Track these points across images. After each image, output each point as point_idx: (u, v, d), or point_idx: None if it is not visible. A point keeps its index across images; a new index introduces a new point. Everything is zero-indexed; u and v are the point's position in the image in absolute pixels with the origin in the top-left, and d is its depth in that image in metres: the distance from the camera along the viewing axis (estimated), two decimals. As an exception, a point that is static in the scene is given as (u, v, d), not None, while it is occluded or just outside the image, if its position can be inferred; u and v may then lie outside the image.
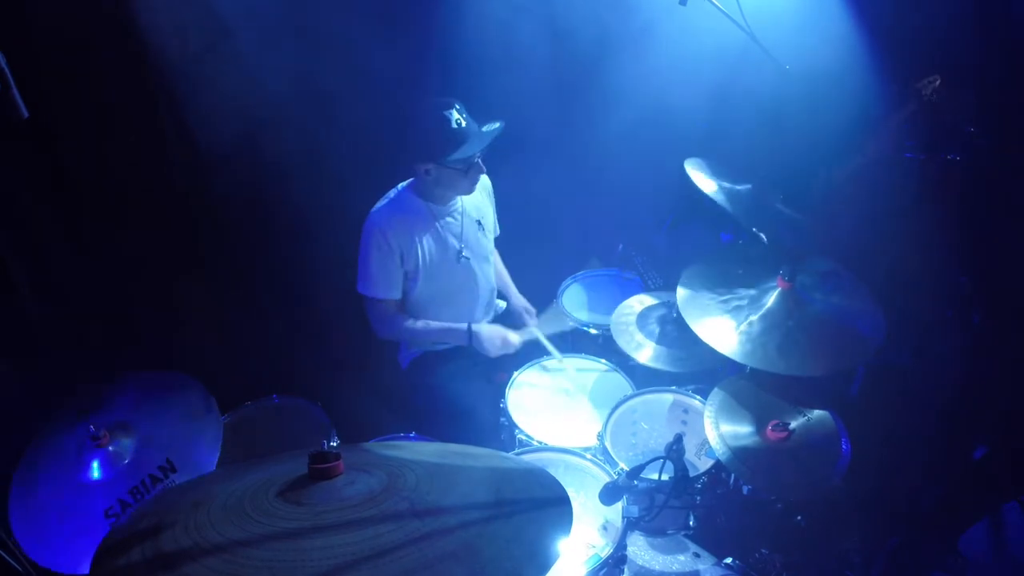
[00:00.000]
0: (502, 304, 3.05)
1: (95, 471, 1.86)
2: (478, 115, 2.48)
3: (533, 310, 2.99)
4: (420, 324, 2.65)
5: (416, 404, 2.76)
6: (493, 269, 2.88)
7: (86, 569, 1.68)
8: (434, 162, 2.44)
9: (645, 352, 2.55)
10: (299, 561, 1.01)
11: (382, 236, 2.50)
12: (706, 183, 2.60)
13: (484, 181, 2.82)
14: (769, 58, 2.46)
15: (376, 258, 2.52)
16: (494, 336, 2.64)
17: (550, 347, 2.71)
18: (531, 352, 2.74)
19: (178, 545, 1.05)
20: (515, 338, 2.68)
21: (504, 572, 1.03)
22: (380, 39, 2.88)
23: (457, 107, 2.40)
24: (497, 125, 2.47)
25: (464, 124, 2.39)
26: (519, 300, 3.03)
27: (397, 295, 2.61)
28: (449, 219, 2.64)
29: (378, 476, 1.23)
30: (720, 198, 2.54)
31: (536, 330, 2.79)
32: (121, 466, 1.89)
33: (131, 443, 1.93)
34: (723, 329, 2.20)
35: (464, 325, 2.65)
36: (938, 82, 2.57)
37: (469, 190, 2.58)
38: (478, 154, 2.44)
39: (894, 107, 2.69)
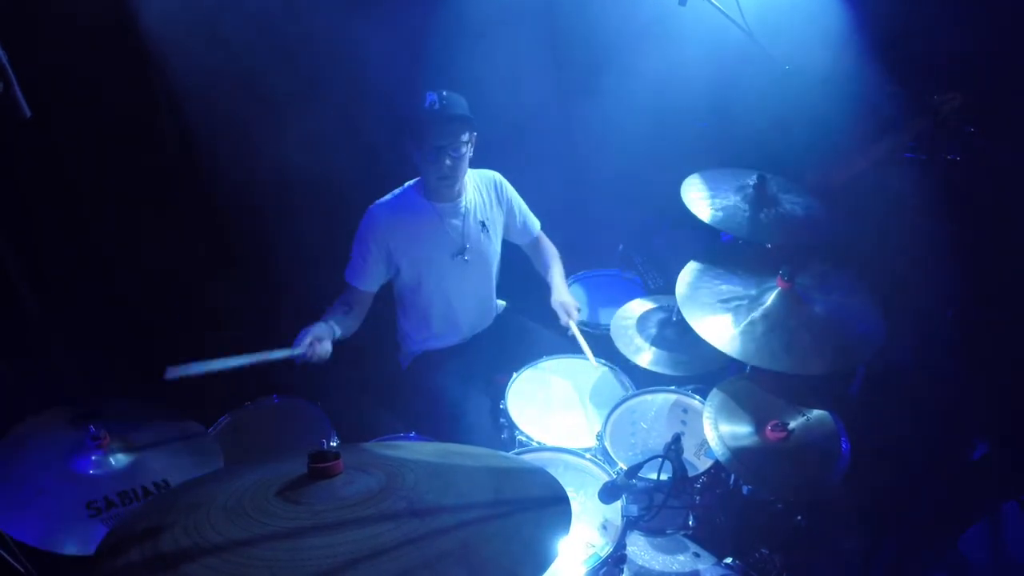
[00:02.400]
0: (502, 303, 3.05)
1: (87, 466, 1.86)
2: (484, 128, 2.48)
3: (575, 304, 2.78)
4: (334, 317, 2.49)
5: (416, 404, 2.76)
6: (495, 272, 2.88)
7: (42, 547, 1.66)
8: (411, 140, 2.45)
9: (645, 356, 2.55)
10: (299, 560, 1.01)
11: (374, 233, 2.52)
12: (703, 208, 2.55)
13: (493, 179, 2.80)
14: (769, 58, 2.46)
15: (362, 251, 2.54)
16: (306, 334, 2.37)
17: (587, 350, 2.62)
18: (532, 352, 2.74)
19: (177, 545, 1.05)
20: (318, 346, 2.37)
21: (502, 571, 1.03)
22: (379, 38, 2.89)
23: (444, 93, 2.39)
24: (468, 116, 2.41)
25: (438, 107, 2.36)
26: (560, 295, 2.82)
27: (366, 287, 2.58)
28: (453, 218, 2.63)
29: (377, 476, 1.23)
30: (717, 220, 2.51)
31: (575, 327, 2.67)
32: (114, 470, 1.88)
33: (129, 458, 1.93)
34: (724, 328, 2.20)
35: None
36: (958, 101, 2.50)
37: (436, 182, 2.51)
38: (440, 140, 2.37)
39: (905, 119, 2.67)
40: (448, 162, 2.43)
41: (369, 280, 2.58)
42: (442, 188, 2.56)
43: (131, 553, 1.05)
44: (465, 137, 2.42)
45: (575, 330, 2.67)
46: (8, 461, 1.83)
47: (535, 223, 2.95)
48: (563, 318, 2.75)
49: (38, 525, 1.71)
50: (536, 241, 2.99)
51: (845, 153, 2.80)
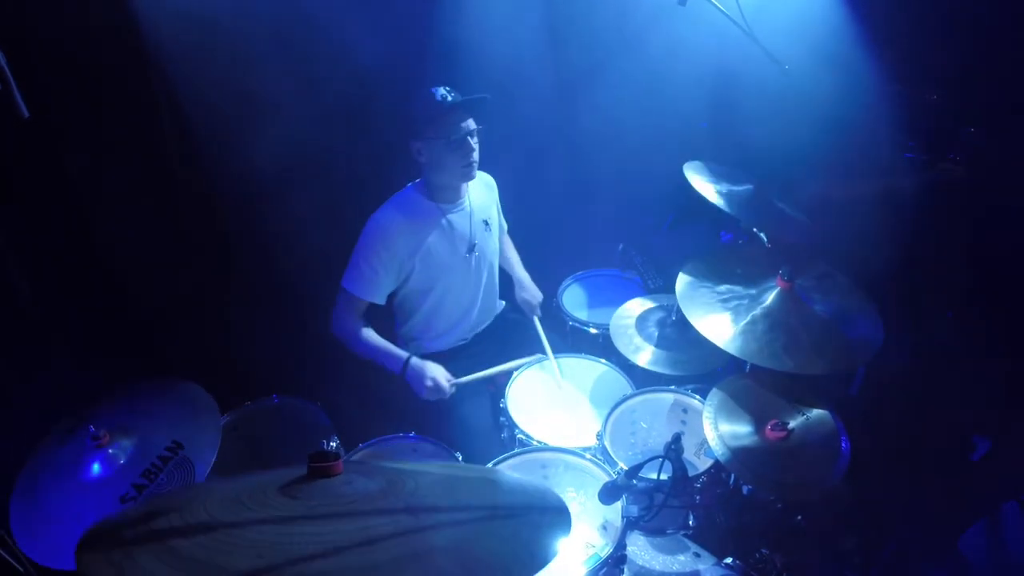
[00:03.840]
0: (502, 303, 3.06)
1: (99, 470, 1.85)
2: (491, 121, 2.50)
3: (539, 296, 3.00)
4: (370, 336, 2.55)
5: (416, 404, 2.76)
6: (497, 270, 2.89)
7: None
8: (422, 138, 2.42)
9: (644, 355, 2.55)
10: (286, 544, 1.00)
11: (384, 243, 2.47)
12: (705, 187, 2.60)
13: (486, 178, 2.82)
14: (769, 58, 2.46)
15: (372, 262, 2.48)
16: (426, 377, 2.48)
17: (547, 347, 2.72)
18: (531, 351, 2.74)
19: (169, 524, 1.05)
20: (447, 385, 2.50)
21: (495, 569, 1.01)
22: (379, 36, 2.89)
23: (447, 88, 2.41)
24: (487, 96, 2.44)
25: (451, 99, 2.38)
26: (526, 291, 3.03)
27: (377, 300, 2.54)
28: (459, 218, 2.63)
29: (377, 480, 1.23)
30: (720, 201, 2.54)
31: (538, 324, 2.83)
32: (126, 457, 1.89)
33: (132, 442, 1.93)
34: (724, 326, 2.20)
35: (404, 354, 2.52)
36: (962, 170, 2.60)
37: (461, 171, 2.48)
38: (463, 125, 2.41)
39: (917, 169, 2.70)
40: (474, 146, 2.46)
41: (381, 292, 2.54)
42: (466, 176, 2.52)
43: (123, 532, 1.05)
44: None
45: (538, 325, 2.85)
46: (30, 507, 1.82)
47: (505, 223, 3.04)
48: (530, 312, 2.96)
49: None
50: (504, 240, 3.09)
51: (847, 172, 2.80)
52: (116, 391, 2.12)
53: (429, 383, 2.46)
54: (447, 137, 2.39)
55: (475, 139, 2.47)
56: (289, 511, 1.09)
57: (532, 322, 2.88)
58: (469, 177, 2.54)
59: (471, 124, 2.45)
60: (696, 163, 2.74)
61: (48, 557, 1.71)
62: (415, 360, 2.52)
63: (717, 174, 2.70)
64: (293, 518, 1.06)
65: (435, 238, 2.56)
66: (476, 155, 2.49)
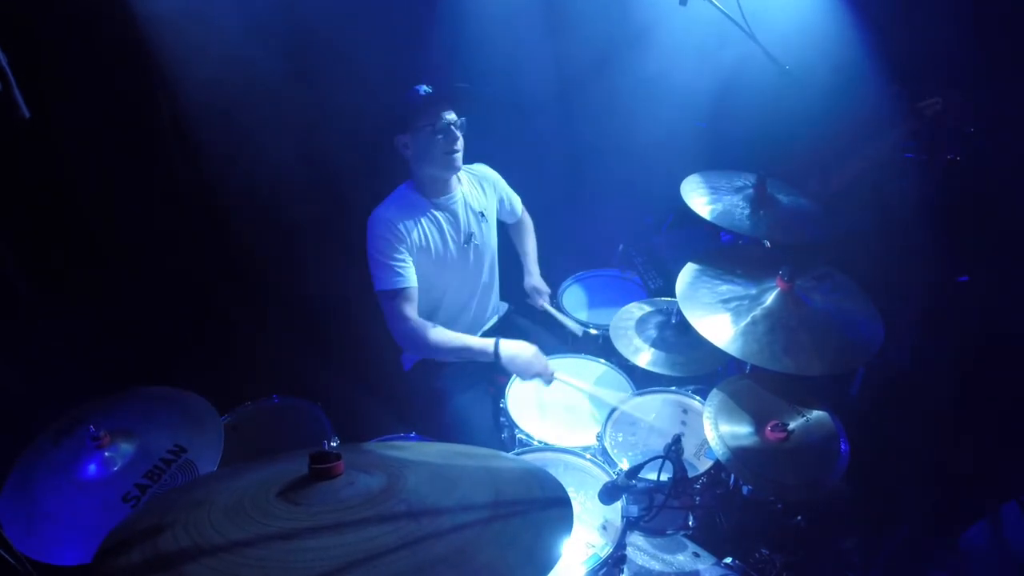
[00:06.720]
0: (504, 305, 3.06)
1: (98, 470, 1.85)
2: (478, 113, 2.51)
3: (546, 290, 3.03)
4: (441, 334, 2.50)
5: (417, 405, 2.76)
6: (497, 265, 2.89)
7: None
8: (409, 130, 2.46)
9: (644, 357, 2.55)
10: (292, 562, 1.01)
11: (387, 226, 2.47)
12: (703, 206, 2.58)
13: (482, 172, 2.83)
14: (769, 58, 2.46)
15: (389, 252, 2.46)
16: (522, 352, 2.48)
17: (569, 322, 2.78)
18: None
19: (177, 544, 1.06)
20: (542, 359, 2.50)
21: None
22: (379, 37, 2.89)
23: (427, 86, 2.46)
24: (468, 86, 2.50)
25: (433, 90, 2.44)
26: (533, 279, 3.09)
27: (411, 283, 2.48)
28: (453, 211, 2.64)
29: (378, 477, 1.23)
30: (719, 216, 2.52)
31: (548, 306, 2.89)
32: (127, 459, 1.88)
33: (132, 446, 1.92)
34: (725, 327, 2.20)
35: (490, 342, 2.50)
36: (939, 105, 2.57)
37: (446, 159, 2.48)
38: (445, 115, 2.44)
39: (895, 123, 2.69)
40: (457, 135, 2.48)
41: (412, 275, 2.50)
42: (450, 165, 2.51)
43: (131, 553, 1.05)
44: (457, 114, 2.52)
45: (550, 308, 2.90)
46: (29, 505, 1.80)
47: (519, 203, 3.08)
48: (536, 300, 3.00)
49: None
50: (520, 220, 3.13)
51: (840, 157, 2.80)
52: (115, 396, 2.11)
53: (527, 365, 2.47)
54: (432, 124, 2.43)
55: (459, 131, 2.49)
56: (294, 521, 1.10)
57: (543, 310, 2.94)
58: (454, 167, 2.54)
59: (453, 115, 2.49)
60: (694, 177, 2.72)
61: (44, 553, 1.70)
62: (502, 343, 2.49)
63: (715, 186, 2.67)
64: (298, 531, 1.07)
65: (431, 232, 2.57)
66: (460, 145, 2.51)
